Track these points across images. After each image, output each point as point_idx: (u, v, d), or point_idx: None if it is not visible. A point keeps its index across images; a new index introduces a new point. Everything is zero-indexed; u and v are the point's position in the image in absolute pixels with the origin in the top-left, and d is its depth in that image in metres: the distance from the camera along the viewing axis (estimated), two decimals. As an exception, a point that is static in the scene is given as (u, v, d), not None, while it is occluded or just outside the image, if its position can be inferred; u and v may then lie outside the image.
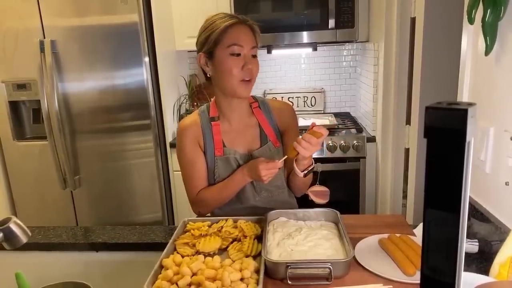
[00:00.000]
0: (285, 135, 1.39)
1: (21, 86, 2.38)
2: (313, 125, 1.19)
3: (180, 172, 1.43)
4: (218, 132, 1.34)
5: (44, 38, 2.29)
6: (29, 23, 2.29)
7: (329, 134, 2.46)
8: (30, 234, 0.95)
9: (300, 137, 1.17)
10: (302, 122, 2.63)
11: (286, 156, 1.23)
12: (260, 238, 1.16)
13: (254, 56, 1.26)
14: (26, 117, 2.54)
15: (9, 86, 2.39)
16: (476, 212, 1.14)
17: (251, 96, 1.38)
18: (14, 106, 2.46)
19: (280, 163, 1.22)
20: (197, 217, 1.36)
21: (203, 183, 1.37)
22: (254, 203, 1.38)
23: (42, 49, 2.27)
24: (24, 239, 0.95)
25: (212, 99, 1.39)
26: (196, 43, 1.31)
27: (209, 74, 1.30)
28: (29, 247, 1.24)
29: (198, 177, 1.37)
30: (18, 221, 0.94)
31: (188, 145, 1.35)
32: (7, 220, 0.93)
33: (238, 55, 1.22)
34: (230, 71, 1.23)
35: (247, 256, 1.08)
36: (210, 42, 1.24)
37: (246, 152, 1.35)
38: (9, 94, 2.40)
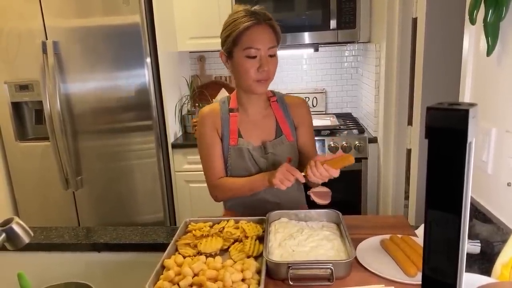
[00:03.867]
0: (299, 130, 1.42)
1: (23, 87, 2.39)
2: (340, 154, 1.23)
3: (200, 156, 1.47)
4: (235, 122, 1.38)
5: (47, 39, 2.29)
6: (31, 24, 2.29)
7: (331, 135, 2.46)
8: (32, 234, 0.95)
9: (317, 162, 1.19)
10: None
11: (304, 173, 1.23)
12: (261, 238, 1.16)
13: (272, 56, 1.28)
14: (28, 118, 2.54)
15: (12, 87, 2.40)
16: (478, 213, 1.13)
17: (270, 90, 1.43)
18: (17, 107, 2.47)
19: (300, 175, 1.21)
20: (198, 218, 1.36)
21: (222, 167, 1.40)
22: (264, 195, 1.39)
23: (44, 50, 2.27)
24: (26, 240, 0.95)
25: (233, 92, 1.43)
26: (220, 38, 1.34)
27: (229, 71, 1.36)
28: (31, 247, 1.24)
29: (218, 161, 1.39)
30: (21, 222, 0.94)
31: (208, 131, 1.39)
32: (9, 221, 0.93)
33: (254, 57, 1.25)
34: (246, 72, 1.27)
35: (248, 257, 1.08)
36: (229, 42, 1.27)
37: (260, 143, 1.38)
38: (12, 95, 2.41)
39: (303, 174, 1.22)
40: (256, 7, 1.29)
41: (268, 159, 1.36)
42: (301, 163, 1.42)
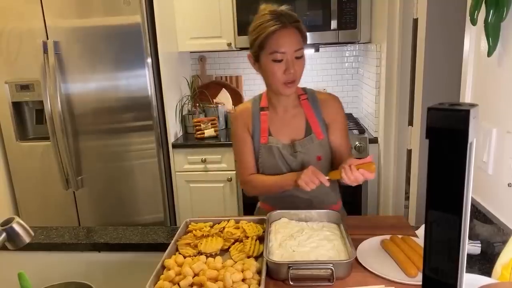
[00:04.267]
0: (330, 128, 1.41)
1: (24, 87, 2.39)
2: (370, 159, 1.21)
3: (233, 153, 1.52)
4: (265, 120, 1.40)
5: (47, 39, 2.30)
6: (32, 24, 2.30)
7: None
8: (33, 234, 0.95)
9: (352, 166, 1.19)
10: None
11: (328, 177, 1.23)
12: (262, 239, 1.16)
13: (299, 57, 1.28)
14: (29, 118, 2.55)
15: (12, 86, 2.40)
16: (479, 214, 1.13)
17: (301, 88, 1.44)
18: (17, 107, 2.47)
19: (325, 179, 1.22)
20: (198, 218, 1.36)
21: (253, 164, 1.43)
22: (296, 192, 1.38)
23: (45, 50, 2.28)
24: (27, 239, 0.95)
25: (265, 90, 1.45)
26: (248, 40, 1.35)
27: (257, 73, 1.37)
28: (32, 247, 1.24)
29: (249, 158, 1.43)
30: (21, 221, 0.94)
31: (239, 130, 1.43)
32: (10, 220, 0.93)
33: (281, 60, 1.26)
34: (273, 76, 1.29)
35: (249, 257, 1.08)
36: (256, 46, 1.29)
37: (290, 142, 1.39)
38: (12, 95, 2.41)
39: (327, 178, 1.23)
40: (283, 8, 1.29)
41: (297, 157, 1.37)
42: (333, 161, 1.42)
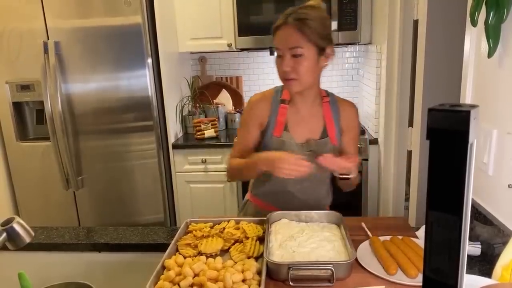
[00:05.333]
0: (344, 135, 1.42)
1: (24, 87, 2.40)
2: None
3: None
4: (283, 114, 1.39)
5: (48, 39, 2.30)
6: (33, 24, 2.30)
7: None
8: (33, 234, 0.95)
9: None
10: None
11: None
12: (262, 239, 1.16)
13: (297, 56, 1.26)
14: (30, 118, 2.55)
15: (13, 87, 2.40)
16: (479, 215, 1.13)
17: (325, 90, 1.44)
18: (18, 107, 2.47)
19: (307, 164, 1.21)
20: (199, 218, 1.36)
21: (243, 151, 1.41)
22: (291, 189, 1.39)
23: (45, 50, 2.28)
24: (27, 239, 0.95)
25: None
26: None
27: None
28: (32, 247, 1.24)
29: (244, 146, 1.42)
30: (22, 221, 0.94)
31: (249, 119, 1.41)
32: (10, 220, 0.93)
33: (280, 56, 1.29)
34: (277, 71, 1.32)
35: (249, 258, 1.08)
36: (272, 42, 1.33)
37: (304, 140, 1.38)
38: (13, 95, 2.42)
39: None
40: (298, 6, 1.30)
41: (307, 157, 1.34)
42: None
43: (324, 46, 1.28)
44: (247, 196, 1.55)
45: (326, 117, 1.40)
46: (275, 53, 1.31)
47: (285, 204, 1.36)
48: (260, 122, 1.40)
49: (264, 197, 1.46)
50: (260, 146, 1.40)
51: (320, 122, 1.40)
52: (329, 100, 1.42)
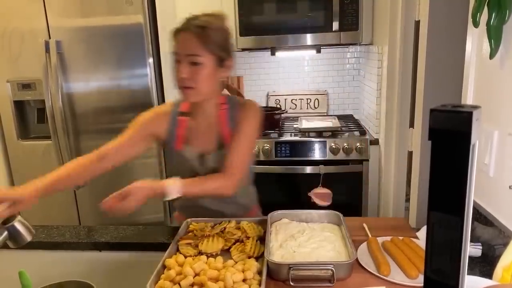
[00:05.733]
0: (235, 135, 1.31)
1: (26, 86, 2.40)
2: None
3: None
4: (183, 127, 1.34)
5: (50, 38, 2.30)
6: (34, 23, 2.30)
7: (332, 136, 2.46)
8: (34, 232, 0.96)
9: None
10: (305, 124, 2.63)
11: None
12: (262, 239, 1.16)
13: (195, 64, 1.20)
14: (31, 117, 2.55)
15: (14, 85, 2.40)
16: (480, 216, 1.13)
17: (226, 96, 1.37)
18: (19, 106, 2.47)
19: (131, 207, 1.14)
20: (199, 218, 1.36)
21: (107, 150, 1.34)
22: (201, 202, 1.36)
23: (47, 49, 2.28)
24: (28, 238, 0.96)
25: None
26: None
27: None
28: (33, 245, 1.24)
29: (112, 144, 1.34)
30: (23, 220, 0.95)
31: (140, 125, 1.34)
32: (11, 219, 0.94)
33: (178, 61, 1.23)
34: (174, 77, 1.25)
35: (249, 257, 1.08)
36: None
37: (201, 153, 1.33)
38: (14, 94, 2.42)
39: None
40: (202, 14, 1.27)
41: (208, 169, 1.32)
42: None
43: (224, 57, 1.24)
44: (175, 214, 1.52)
45: (222, 125, 1.33)
46: (174, 58, 1.25)
47: (203, 217, 1.32)
48: (157, 135, 1.35)
49: (183, 211, 1.44)
50: (167, 159, 1.36)
51: (217, 134, 1.34)
52: (228, 107, 1.34)
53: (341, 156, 2.41)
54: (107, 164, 1.33)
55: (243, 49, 2.73)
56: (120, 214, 1.10)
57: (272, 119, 2.68)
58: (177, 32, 1.24)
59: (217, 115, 1.34)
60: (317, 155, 2.44)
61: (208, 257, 1.09)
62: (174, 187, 1.17)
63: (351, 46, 2.92)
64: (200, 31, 1.20)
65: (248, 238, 1.17)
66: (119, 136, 1.35)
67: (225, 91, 3.08)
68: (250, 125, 1.32)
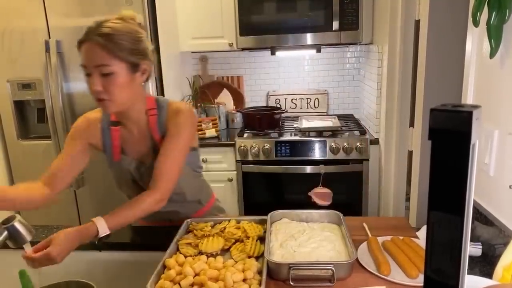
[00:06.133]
0: (164, 141, 1.26)
1: (26, 86, 2.40)
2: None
3: None
4: (117, 137, 1.31)
5: (49, 38, 2.30)
6: (34, 23, 2.30)
7: (332, 136, 2.46)
8: (34, 232, 0.96)
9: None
10: (305, 123, 2.63)
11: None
12: (262, 239, 1.16)
13: (106, 74, 1.13)
14: (31, 117, 2.55)
15: (14, 85, 2.40)
16: (480, 215, 1.13)
17: (156, 99, 1.31)
18: (19, 106, 2.47)
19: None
20: (199, 218, 1.36)
21: (56, 172, 1.32)
22: (159, 214, 1.30)
23: (47, 49, 2.28)
24: (28, 238, 0.96)
25: None
26: None
27: None
28: (33, 245, 1.24)
29: (58, 163, 1.32)
30: (23, 220, 0.95)
31: (75, 137, 1.31)
32: (11, 219, 0.94)
33: (88, 74, 1.15)
34: (89, 90, 1.18)
35: (249, 257, 1.08)
36: None
37: (139, 162, 1.31)
38: (14, 94, 2.42)
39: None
40: (105, 19, 1.17)
41: (147, 177, 1.28)
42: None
43: (137, 62, 1.16)
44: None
45: (153, 132, 1.28)
46: (84, 72, 1.17)
47: (155, 220, 1.31)
48: (94, 144, 1.32)
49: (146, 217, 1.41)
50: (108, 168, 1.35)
51: (150, 141, 1.30)
52: (157, 112, 1.28)
53: (341, 155, 2.41)
54: (56, 189, 1.31)
55: (243, 49, 2.73)
56: (45, 264, 1.02)
57: (272, 118, 2.68)
58: (80, 44, 1.14)
59: (146, 121, 1.28)
60: (317, 154, 2.44)
61: (208, 257, 1.09)
62: (101, 226, 1.10)
63: (351, 45, 2.92)
64: (104, 40, 1.12)
65: (248, 237, 1.17)
66: (59, 157, 1.32)
67: (226, 91, 3.09)
68: (180, 131, 1.25)
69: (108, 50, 1.12)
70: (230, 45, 2.65)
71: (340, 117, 2.87)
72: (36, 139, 2.50)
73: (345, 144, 2.40)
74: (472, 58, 1.21)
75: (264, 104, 3.09)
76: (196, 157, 1.42)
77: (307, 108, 3.07)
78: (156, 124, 1.28)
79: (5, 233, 0.92)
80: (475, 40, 1.19)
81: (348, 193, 2.52)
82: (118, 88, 1.15)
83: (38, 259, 1.00)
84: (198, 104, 2.83)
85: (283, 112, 2.77)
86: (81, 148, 1.31)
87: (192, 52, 3.00)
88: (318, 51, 2.69)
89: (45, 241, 1.04)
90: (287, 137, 2.51)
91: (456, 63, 1.40)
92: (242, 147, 2.48)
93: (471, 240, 1.09)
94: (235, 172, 2.54)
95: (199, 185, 1.49)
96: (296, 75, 3.07)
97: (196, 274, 0.98)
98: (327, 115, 3.02)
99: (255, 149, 2.46)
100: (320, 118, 2.83)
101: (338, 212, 1.26)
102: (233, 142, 2.52)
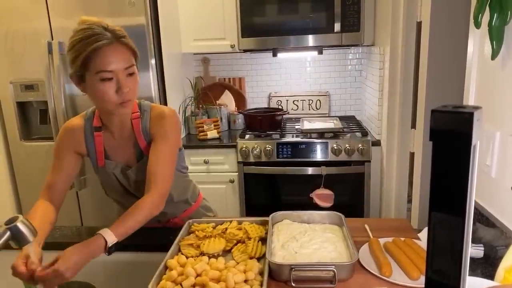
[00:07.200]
0: (152, 145, 1.26)
1: (28, 87, 2.41)
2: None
3: None
4: (100, 143, 1.30)
5: (52, 39, 2.31)
6: (37, 24, 2.31)
7: (334, 137, 2.46)
8: (37, 232, 0.96)
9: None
10: (307, 125, 2.63)
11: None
12: (264, 240, 1.16)
13: (131, 74, 1.16)
14: (33, 118, 2.56)
15: (17, 86, 2.41)
16: (481, 217, 1.13)
17: (138, 103, 1.31)
18: (22, 107, 2.48)
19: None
20: (201, 219, 1.36)
21: (58, 183, 1.34)
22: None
23: (50, 50, 2.29)
24: (30, 238, 0.96)
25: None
26: (67, 58, 1.21)
27: (84, 94, 1.21)
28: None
29: (57, 176, 1.33)
30: (25, 220, 0.95)
31: (63, 146, 1.31)
32: (14, 219, 0.94)
33: (110, 79, 1.13)
34: (104, 96, 1.14)
35: (251, 258, 1.08)
36: (77, 66, 1.14)
37: (125, 166, 1.32)
38: (17, 95, 2.43)
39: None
40: (104, 24, 1.16)
41: (133, 182, 1.31)
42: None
43: (138, 62, 1.22)
44: None
45: (137, 135, 1.28)
46: (90, 78, 1.12)
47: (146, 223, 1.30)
48: (79, 151, 1.31)
49: None
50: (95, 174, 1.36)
51: (134, 145, 1.30)
52: (140, 115, 1.28)
53: (343, 157, 2.41)
54: (58, 202, 1.36)
55: (245, 51, 2.73)
56: (56, 283, 0.99)
57: (274, 120, 2.68)
58: (100, 49, 1.11)
59: (130, 125, 1.28)
60: (319, 156, 2.44)
61: (209, 257, 1.09)
62: (107, 235, 1.07)
63: (353, 47, 2.92)
64: (125, 41, 1.16)
65: (249, 238, 1.17)
66: (52, 171, 1.34)
67: (228, 92, 3.10)
68: (167, 135, 1.26)
69: (132, 50, 1.18)
70: (232, 46, 2.65)
71: (341, 118, 2.87)
72: (39, 140, 2.51)
73: (347, 145, 2.40)
74: (474, 59, 1.21)
75: (266, 106, 3.10)
76: (181, 157, 1.43)
77: (309, 109, 3.07)
78: (140, 127, 1.28)
79: (8, 233, 0.92)
80: (477, 42, 1.19)
81: (350, 195, 2.51)
82: (136, 87, 1.21)
83: (46, 277, 0.97)
84: (200, 106, 2.84)
85: (284, 114, 2.77)
86: (70, 159, 1.31)
87: (194, 54, 3.01)
88: (320, 52, 2.69)
89: (53, 260, 1.02)
90: (288, 138, 2.51)
91: (458, 65, 1.40)
92: (243, 149, 2.48)
93: (473, 242, 1.09)
94: (237, 173, 2.55)
95: (185, 185, 1.50)
96: (297, 76, 3.08)
97: (198, 275, 0.99)
98: (329, 116, 3.03)
99: (257, 150, 2.46)
100: (321, 119, 2.83)
101: (339, 214, 1.26)
102: (234, 144, 2.52)
